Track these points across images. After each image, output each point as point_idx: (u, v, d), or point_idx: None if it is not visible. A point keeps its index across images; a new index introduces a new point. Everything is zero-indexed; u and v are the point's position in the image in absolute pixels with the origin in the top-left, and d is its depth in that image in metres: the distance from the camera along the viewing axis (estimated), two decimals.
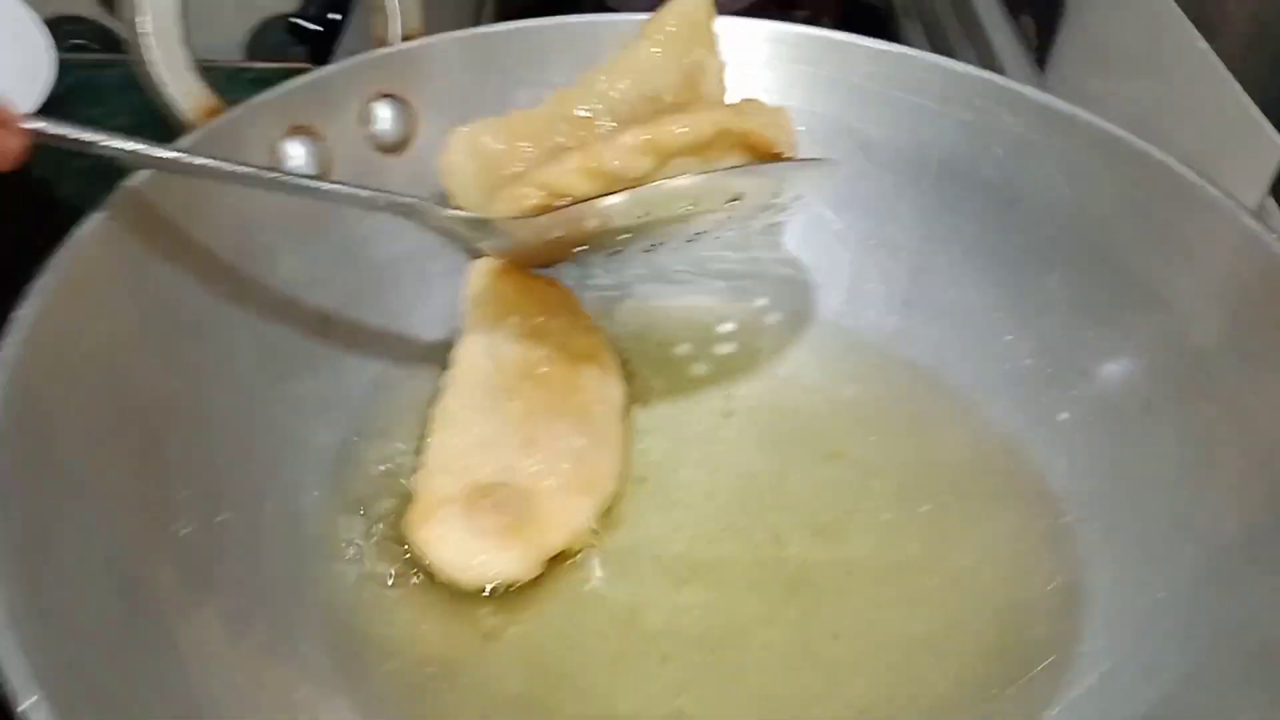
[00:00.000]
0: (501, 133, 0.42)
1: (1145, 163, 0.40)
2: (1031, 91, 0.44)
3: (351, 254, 0.44)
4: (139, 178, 0.37)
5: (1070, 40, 0.63)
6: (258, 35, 1.20)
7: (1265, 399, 0.35)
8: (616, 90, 0.43)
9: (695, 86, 0.44)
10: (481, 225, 0.39)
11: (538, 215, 0.37)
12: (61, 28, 1.13)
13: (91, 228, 0.35)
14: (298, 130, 0.42)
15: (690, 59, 0.44)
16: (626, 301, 0.48)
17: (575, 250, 0.42)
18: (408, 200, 0.38)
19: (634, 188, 0.36)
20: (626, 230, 0.38)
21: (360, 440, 0.41)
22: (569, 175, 0.37)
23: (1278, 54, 0.42)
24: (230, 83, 1.28)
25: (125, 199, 0.36)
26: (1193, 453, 0.37)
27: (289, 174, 0.38)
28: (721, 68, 0.44)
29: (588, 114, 0.43)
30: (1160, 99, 0.52)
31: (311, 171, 0.42)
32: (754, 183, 0.39)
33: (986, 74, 0.45)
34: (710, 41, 0.44)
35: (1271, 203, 0.42)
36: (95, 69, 1.15)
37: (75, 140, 0.34)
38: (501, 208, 0.38)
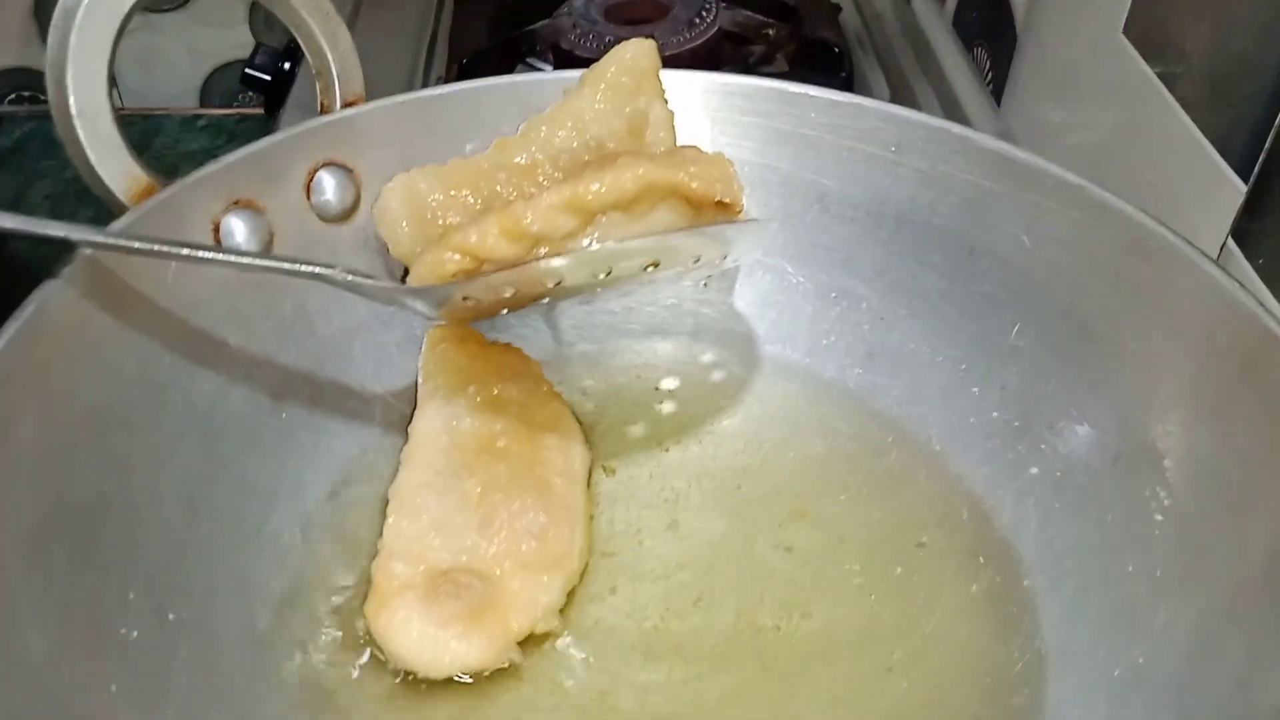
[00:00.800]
0: (439, 181, 0.41)
1: (1104, 211, 0.40)
2: (987, 140, 0.43)
3: (301, 327, 0.43)
4: (72, 266, 0.35)
5: (1025, 72, 0.63)
6: (210, 82, 1.19)
7: (1235, 453, 0.34)
8: (558, 138, 0.42)
9: (639, 135, 0.44)
10: (402, 293, 0.37)
11: (455, 283, 0.36)
12: (11, 79, 1.12)
13: (23, 321, 0.34)
14: (239, 204, 0.41)
15: (634, 107, 0.43)
16: (582, 363, 0.47)
17: (507, 310, 0.41)
18: (318, 270, 0.36)
19: (556, 252, 0.35)
20: (559, 288, 0.37)
21: (316, 524, 0.40)
22: (489, 239, 0.35)
23: (1236, 100, 0.42)
24: (184, 130, 1.27)
25: (58, 288, 0.35)
26: (1165, 509, 0.36)
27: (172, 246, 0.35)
28: (669, 116, 0.44)
29: (528, 162, 0.42)
30: (1117, 135, 0.52)
31: (254, 246, 0.41)
32: (685, 245, 0.38)
33: (941, 122, 0.44)
34: (656, 89, 0.44)
35: (1233, 245, 0.42)
36: (46, 120, 1.13)
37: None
38: (423, 273, 0.36)
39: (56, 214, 0.99)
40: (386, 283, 0.38)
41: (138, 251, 0.35)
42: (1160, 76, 0.47)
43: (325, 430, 0.42)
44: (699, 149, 0.39)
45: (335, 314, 0.43)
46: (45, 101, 1.20)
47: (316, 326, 0.43)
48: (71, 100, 0.37)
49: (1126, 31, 0.50)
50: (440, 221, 0.41)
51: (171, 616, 0.34)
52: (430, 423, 0.40)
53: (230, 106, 1.11)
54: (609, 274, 0.36)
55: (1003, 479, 0.41)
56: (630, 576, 0.39)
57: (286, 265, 0.36)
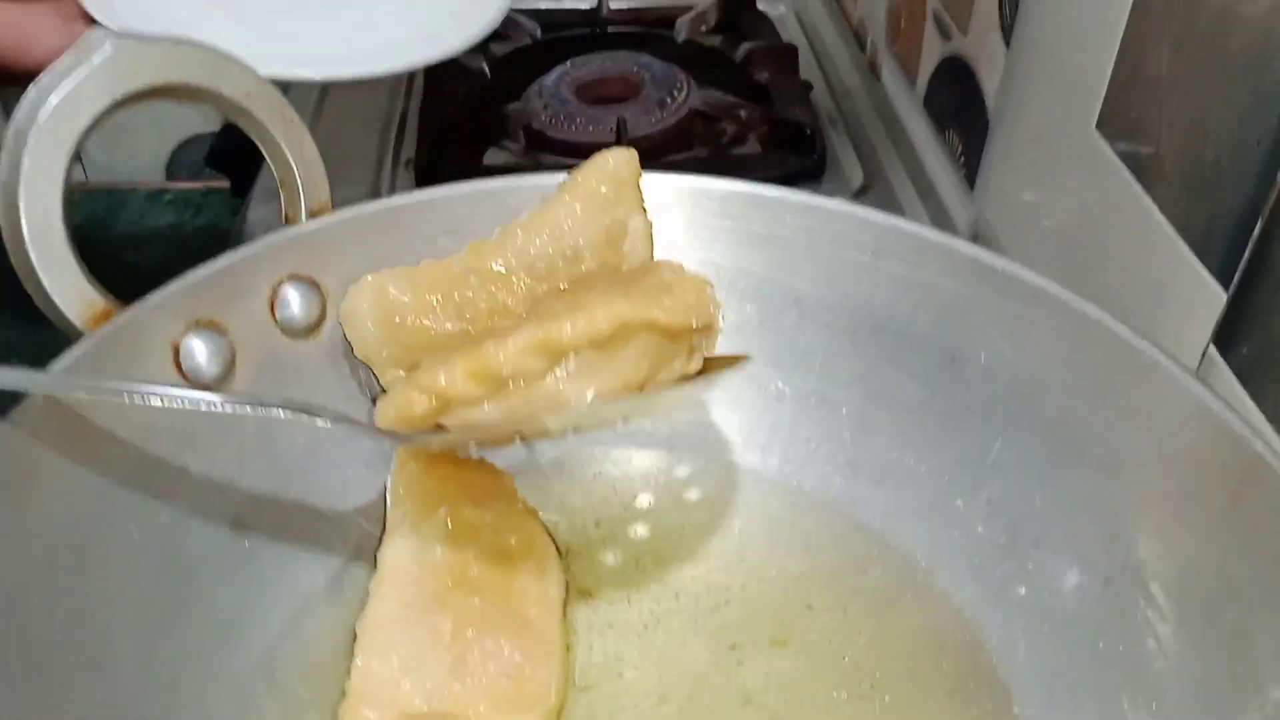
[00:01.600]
0: (408, 284, 0.40)
1: (1086, 323, 0.39)
2: (965, 246, 0.43)
3: (264, 447, 0.41)
4: (21, 407, 0.34)
5: (998, 158, 0.62)
6: (176, 156, 1.18)
7: (1228, 584, 0.33)
8: (533, 246, 0.41)
9: (617, 245, 0.43)
10: (368, 430, 0.36)
11: (425, 434, 0.36)
12: None
13: None
14: (199, 324, 0.39)
15: (613, 217, 0.42)
16: (556, 476, 0.45)
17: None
18: (279, 409, 0.35)
19: (522, 398, 0.34)
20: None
21: (280, 661, 0.38)
22: (458, 382, 0.34)
23: (1212, 206, 0.42)
24: (150, 203, 1.25)
25: (7, 429, 0.33)
26: (1160, 638, 0.35)
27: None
28: (648, 227, 0.43)
29: (502, 269, 0.41)
30: (1093, 227, 0.52)
31: (216, 367, 0.40)
32: (665, 400, 0.37)
33: (918, 227, 0.44)
34: (635, 200, 0.43)
35: (1215, 352, 0.42)
36: None
37: None
38: (390, 412, 0.35)
39: None
40: (351, 420, 0.36)
41: (97, 391, 0.34)
42: (1136, 175, 0.47)
43: (290, 558, 0.40)
44: (677, 268, 0.38)
45: (299, 431, 0.42)
46: None
47: (279, 445, 0.41)
48: (24, 224, 0.36)
49: (1100, 126, 0.50)
50: (409, 323, 0.40)
51: None
52: (399, 551, 0.39)
53: (197, 179, 1.09)
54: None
55: (990, 598, 0.40)
56: (610, 711, 0.37)
57: (248, 402, 0.35)
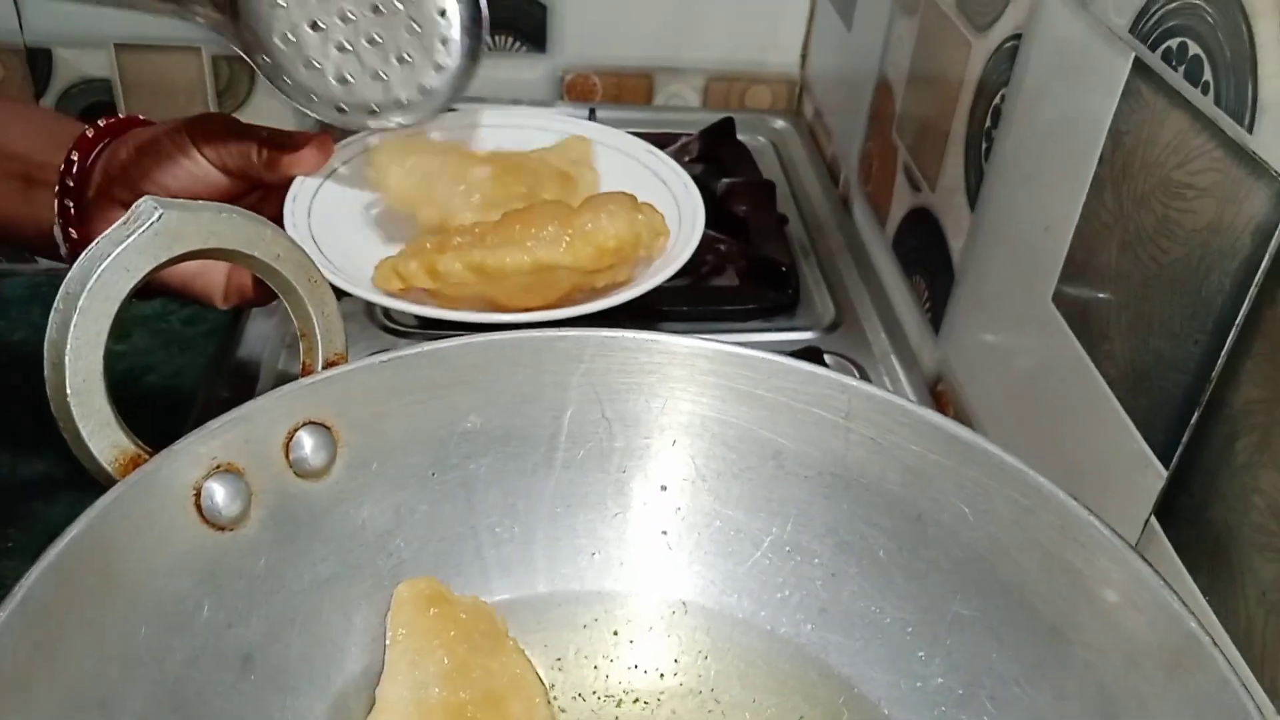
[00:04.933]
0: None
1: (1039, 495, 0.43)
2: (930, 414, 0.46)
3: (273, 583, 0.43)
4: (57, 551, 0.36)
5: (961, 311, 0.67)
6: None
7: None
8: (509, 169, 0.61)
9: (571, 186, 0.62)
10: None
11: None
12: None
13: (9, 614, 0.34)
14: (219, 469, 0.42)
15: (568, 167, 0.63)
16: (545, 610, 0.48)
17: None
18: None
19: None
20: None
21: None
22: (412, 271, 0.55)
23: (1155, 392, 0.46)
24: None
25: (43, 577, 0.35)
26: None
27: None
28: (595, 176, 0.63)
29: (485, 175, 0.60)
30: (1047, 389, 0.56)
31: (235, 509, 0.42)
32: None
33: (888, 395, 0.47)
34: (588, 160, 0.64)
35: (1156, 524, 0.45)
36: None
37: None
38: (378, 275, 0.55)
39: None
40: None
41: None
42: (1087, 351, 0.51)
43: (293, 690, 0.43)
44: (608, 212, 0.55)
45: (305, 568, 0.44)
46: None
47: (287, 581, 0.44)
48: (68, 381, 0.38)
49: (1056, 300, 0.54)
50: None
51: None
52: (399, 689, 0.41)
53: None
54: None
55: None
56: None
57: None
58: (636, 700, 0.45)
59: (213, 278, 0.56)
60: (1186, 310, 0.44)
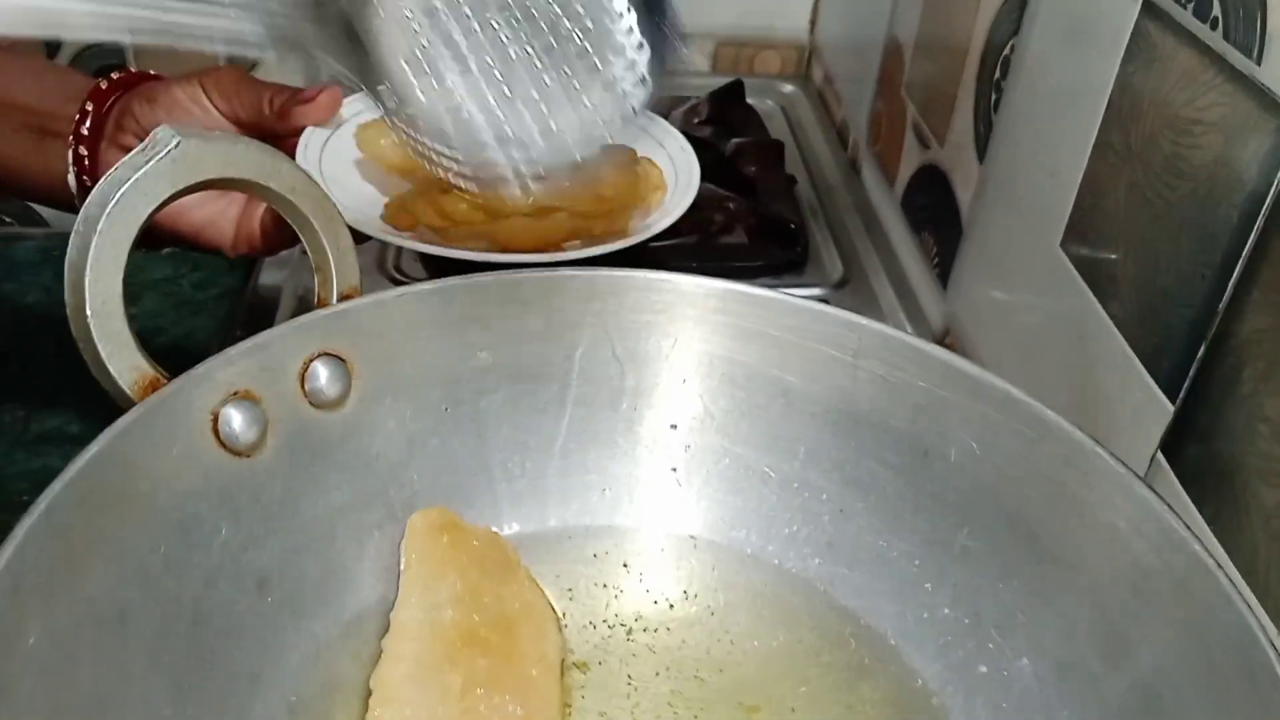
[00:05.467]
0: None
1: (1045, 427, 0.43)
2: (937, 350, 0.47)
3: (288, 510, 0.44)
4: (79, 465, 0.37)
5: (969, 265, 0.67)
6: None
7: (1165, 678, 0.37)
8: None
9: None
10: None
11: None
12: None
13: (33, 521, 0.35)
14: (237, 395, 0.43)
15: None
16: (556, 544, 0.49)
17: None
18: None
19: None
20: None
21: (300, 709, 0.41)
22: (426, 213, 0.55)
23: (1162, 328, 0.46)
24: (149, 257, 1.26)
25: (61, 495, 0.36)
26: (1103, 716, 0.39)
27: None
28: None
29: None
30: (1055, 334, 0.56)
31: (252, 434, 0.43)
32: None
33: (896, 332, 0.48)
34: None
35: (1162, 459, 0.46)
36: (8, 242, 1.14)
37: None
38: (387, 211, 0.55)
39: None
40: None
41: None
42: (1095, 292, 0.51)
43: (307, 615, 0.43)
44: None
45: (320, 496, 0.45)
46: (9, 224, 1.20)
47: (302, 508, 0.44)
48: (88, 301, 0.39)
49: (1064, 245, 0.55)
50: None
51: None
52: (412, 612, 0.42)
53: None
54: None
55: (954, 676, 0.44)
56: None
57: None
58: (646, 629, 0.46)
59: (222, 226, 0.57)
60: (1194, 246, 0.44)
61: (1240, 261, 0.41)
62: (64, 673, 0.34)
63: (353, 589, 0.45)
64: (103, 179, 0.39)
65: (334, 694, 0.41)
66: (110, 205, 0.39)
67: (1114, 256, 0.50)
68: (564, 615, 0.45)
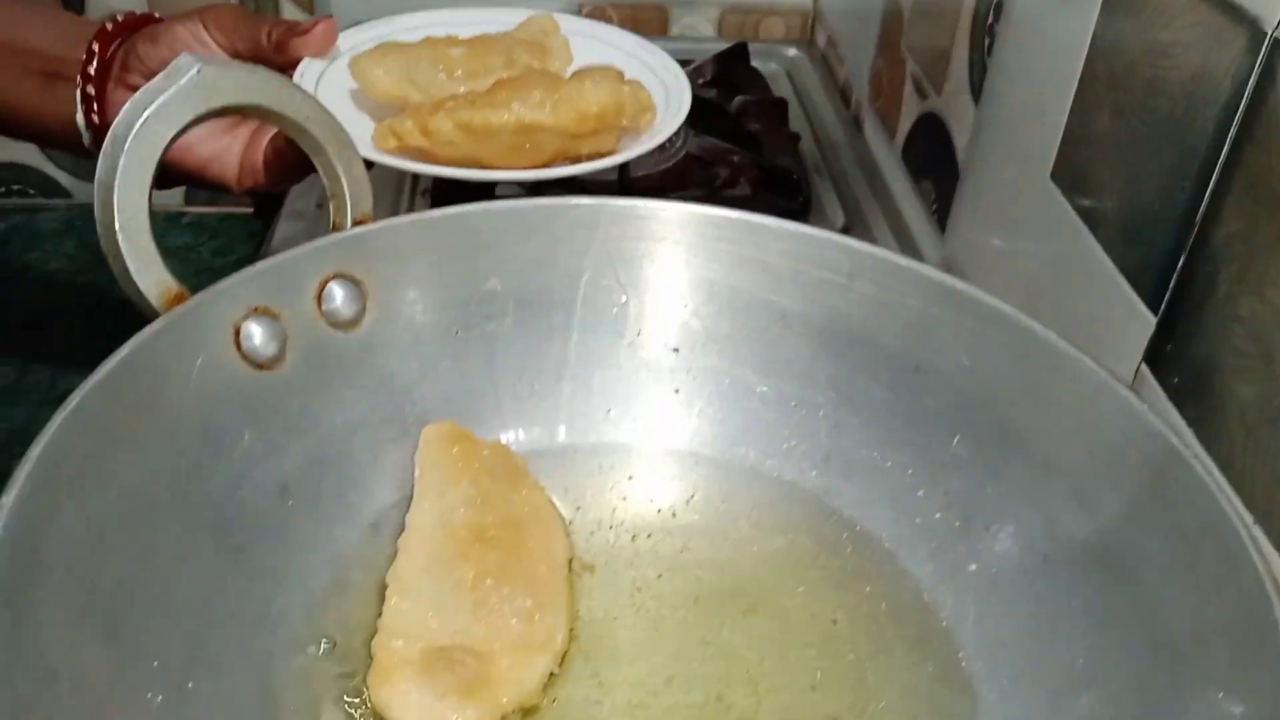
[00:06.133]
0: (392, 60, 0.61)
1: (1032, 338, 0.45)
2: (930, 270, 0.49)
3: (307, 422, 0.46)
4: (110, 365, 0.39)
5: (965, 205, 0.69)
6: None
7: (1146, 559, 0.39)
8: (484, 48, 0.64)
9: (546, 56, 0.65)
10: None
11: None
12: (1, 174, 1.16)
13: (67, 414, 0.37)
14: (257, 311, 0.45)
15: (540, 36, 0.66)
16: (563, 457, 0.51)
17: None
18: None
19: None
20: None
21: (318, 605, 0.43)
22: (408, 130, 0.57)
23: (1145, 243, 0.48)
24: (168, 226, 1.30)
25: (98, 384, 0.38)
26: (1086, 607, 0.40)
27: None
28: (565, 41, 0.66)
29: (459, 54, 0.63)
30: (1047, 265, 0.58)
31: (271, 349, 0.45)
32: None
33: (888, 253, 0.50)
34: (555, 30, 0.67)
35: (1146, 370, 0.48)
36: (32, 213, 1.17)
37: None
38: (376, 134, 0.57)
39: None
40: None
41: None
42: (1083, 217, 0.53)
43: (327, 519, 0.46)
44: (594, 80, 0.57)
45: (337, 410, 0.47)
46: (34, 195, 1.24)
47: (321, 421, 0.47)
48: (116, 217, 0.41)
49: (1054, 176, 0.56)
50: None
51: (191, 685, 0.37)
52: (426, 514, 0.44)
53: (215, 204, 1.15)
54: None
55: (945, 575, 0.45)
56: (608, 658, 0.42)
57: None
58: (650, 535, 0.48)
59: (227, 161, 0.58)
60: (1174, 161, 0.46)
61: (1215, 169, 0.43)
62: (95, 560, 0.37)
63: (370, 497, 0.47)
64: (127, 104, 0.42)
65: (350, 590, 0.44)
66: (137, 125, 0.41)
67: (1101, 181, 0.52)
68: (571, 521, 0.47)
